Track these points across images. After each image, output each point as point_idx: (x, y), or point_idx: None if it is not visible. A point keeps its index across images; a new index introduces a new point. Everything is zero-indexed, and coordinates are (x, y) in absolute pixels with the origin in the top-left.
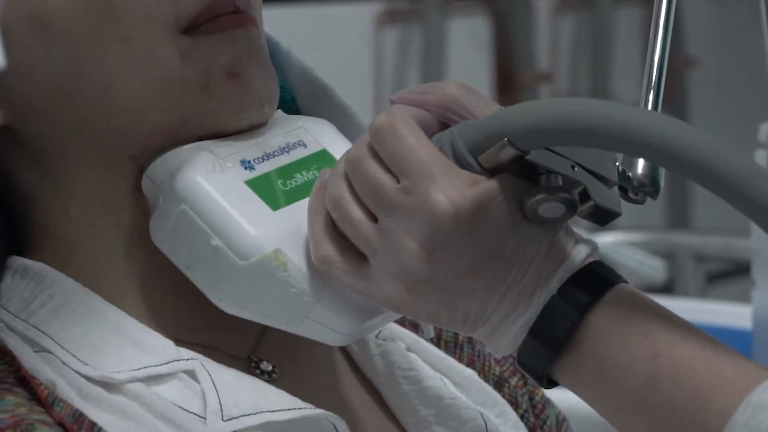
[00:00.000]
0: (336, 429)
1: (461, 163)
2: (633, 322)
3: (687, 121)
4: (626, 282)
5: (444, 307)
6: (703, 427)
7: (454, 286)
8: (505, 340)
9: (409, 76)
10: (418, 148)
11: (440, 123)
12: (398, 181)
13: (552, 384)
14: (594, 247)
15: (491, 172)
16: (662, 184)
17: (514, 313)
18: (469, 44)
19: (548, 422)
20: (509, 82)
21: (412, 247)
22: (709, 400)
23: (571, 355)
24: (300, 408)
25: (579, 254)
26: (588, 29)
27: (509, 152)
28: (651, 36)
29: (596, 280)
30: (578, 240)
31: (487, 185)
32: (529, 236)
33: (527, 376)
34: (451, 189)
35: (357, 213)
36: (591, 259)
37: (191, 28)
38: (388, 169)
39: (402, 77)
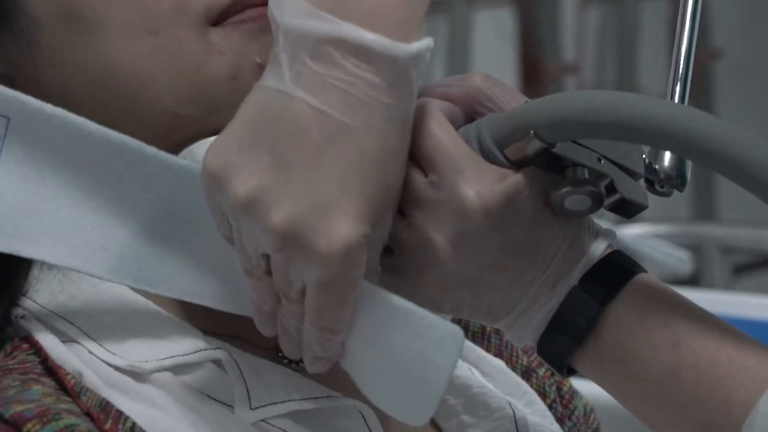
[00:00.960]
0: (364, 417)
1: (487, 156)
2: (654, 313)
3: (712, 114)
4: (645, 272)
5: (468, 300)
6: (725, 418)
7: (479, 279)
8: (526, 331)
9: (434, 68)
10: (446, 141)
11: (466, 116)
12: (426, 175)
13: (571, 372)
14: (613, 237)
15: (517, 165)
16: (689, 176)
17: (535, 304)
18: (494, 36)
19: (576, 413)
20: (535, 73)
21: (440, 241)
22: (732, 390)
23: (592, 346)
24: (328, 396)
25: (599, 246)
26: (614, 21)
27: (536, 145)
28: (678, 28)
29: (616, 270)
30: (598, 232)
31: (515, 179)
32: (554, 229)
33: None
34: (480, 183)
35: None
36: (610, 250)
37: (221, 21)
38: (415, 163)
39: (427, 69)
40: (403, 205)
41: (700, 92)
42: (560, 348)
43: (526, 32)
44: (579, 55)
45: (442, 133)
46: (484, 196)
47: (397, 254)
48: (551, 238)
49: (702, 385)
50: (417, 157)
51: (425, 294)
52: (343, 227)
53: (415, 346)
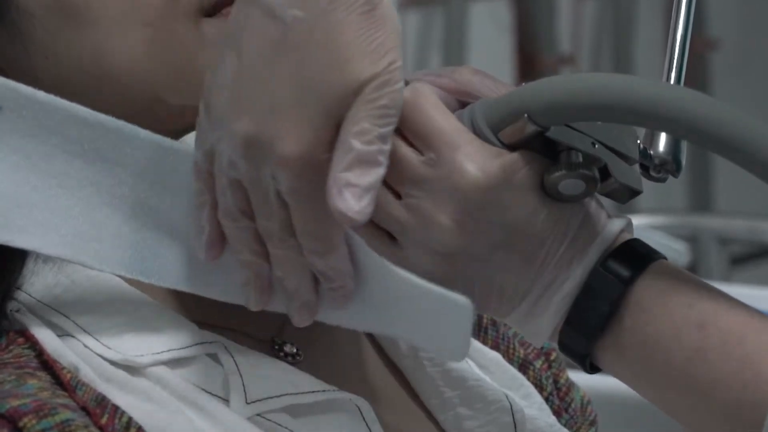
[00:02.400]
0: (360, 411)
1: (481, 140)
2: (677, 294)
3: None
4: (665, 258)
5: (479, 279)
6: (754, 396)
7: (488, 258)
8: (544, 319)
9: (430, 60)
10: (442, 119)
11: (459, 103)
12: (422, 155)
13: (594, 369)
14: (628, 222)
15: (511, 149)
16: (684, 161)
17: (551, 287)
18: (491, 28)
19: (573, 405)
20: (531, 65)
21: (442, 219)
22: (761, 368)
23: (614, 333)
24: (324, 390)
25: (614, 227)
26: (610, 12)
27: (529, 129)
28: (673, 17)
29: (637, 255)
30: (610, 215)
31: (512, 156)
32: (559, 209)
33: (567, 358)
34: (479, 157)
35: (380, 192)
36: (627, 235)
37: (214, 12)
38: (409, 143)
39: (424, 60)
40: (399, 185)
41: (696, 83)
42: (581, 336)
43: (522, 24)
44: (575, 46)
45: (437, 113)
46: (484, 169)
47: (400, 239)
48: (558, 218)
49: (729, 365)
50: (411, 136)
51: (435, 271)
52: (299, 129)
53: (429, 305)
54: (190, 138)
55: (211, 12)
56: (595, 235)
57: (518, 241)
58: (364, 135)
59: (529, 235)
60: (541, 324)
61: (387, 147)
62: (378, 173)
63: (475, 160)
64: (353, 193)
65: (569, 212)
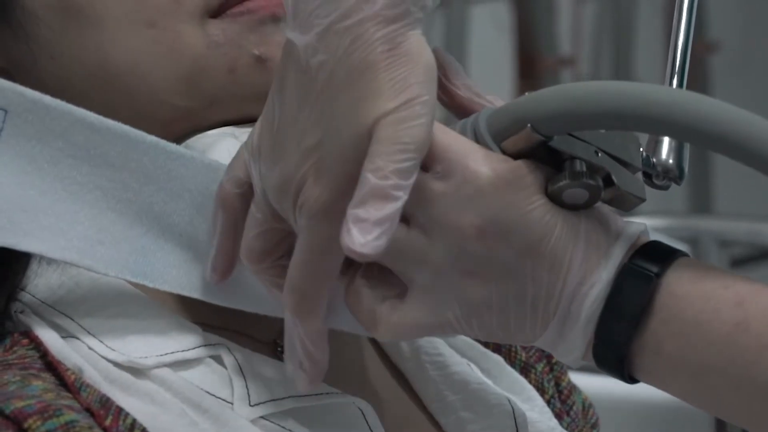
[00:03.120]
0: (363, 414)
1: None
2: (710, 279)
3: None
4: (688, 255)
5: (513, 296)
6: None
7: (518, 265)
8: (576, 331)
9: None
10: (445, 134)
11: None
12: (427, 171)
13: (634, 380)
14: (645, 226)
15: (514, 159)
16: (687, 169)
17: (579, 292)
18: (491, 29)
19: (575, 408)
20: (531, 66)
21: (465, 228)
22: None
23: (651, 329)
24: (327, 393)
25: (634, 228)
26: (610, 13)
27: (532, 138)
28: (675, 20)
29: (662, 251)
30: (625, 218)
31: (518, 162)
32: (573, 213)
33: (602, 369)
34: (488, 160)
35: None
36: (646, 237)
37: (219, 13)
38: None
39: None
40: (412, 212)
41: (696, 85)
42: (617, 336)
43: (522, 25)
44: (575, 47)
45: (438, 129)
46: (497, 170)
47: (420, 278)
48: (574, 221)
49: None
50: None
51: (471, 301)
52: (318, 176)
53: None
54: (193, 142)
55: (216, 13)
56: (617, 236)
57: (540, 246)
58: (378, 171)
59: (549, 238)
60: (574, 338)
61: (407, 182)
62: (392, 207)
63: (486, 163)
64: (361, 228)
65: (583, 216)
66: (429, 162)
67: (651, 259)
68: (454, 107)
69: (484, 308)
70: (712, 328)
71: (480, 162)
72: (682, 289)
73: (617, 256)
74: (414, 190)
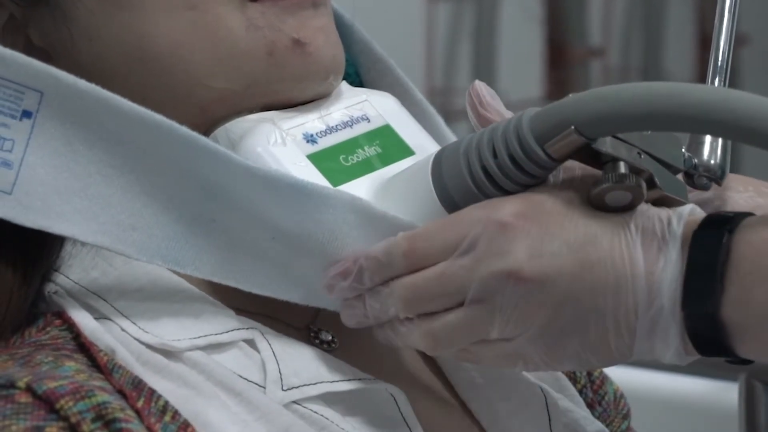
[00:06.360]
0: (395, 400)
1: (527, 153)
2: None
3: None
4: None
5: (593, 313)
6: None
7: (584, 274)
8: (666, 316)
9: (461, 52)
10: (431, 226)
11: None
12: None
13: (746, 361)
14: (694, 205)
15: (557, 161)
16: (728, 169)
17: (653, 278)
18: (521, 19)
19: (606, 398)
20: (561, 57)
21: (513, 256)
22: None
23: (736, 282)
24: (359, 379)
25: (682, 207)
26: (640, 4)
27: (576, 140)
28: (716, 20)
29: (724, 217)
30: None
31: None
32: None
33: (702, 351)
34: (492, 202)
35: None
36: (701, 213)
37: None
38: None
39: (454, 53)
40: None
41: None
42: (705, 299)
43: (552, 15)
44: (605, 38)
45: (422, 230)
46: (509, 202)
47: (502, 330)
48: (618, 218)
49: None
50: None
51: (552, 334)
52: None
53: None
54: (231, 126)
55: None
56: (669, 218)
57: (597, 245)
58: None
59: (600, 235)
60: (666, 325)
61: None
62: None
63: (493, 203)
64: None
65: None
66: (438, 255)
67: (716, 225)
68: None
69: (565, 339)
70: None
71: (489, 204)
72: (758, 237)
73: (677, 233)
74: (446, 281)
